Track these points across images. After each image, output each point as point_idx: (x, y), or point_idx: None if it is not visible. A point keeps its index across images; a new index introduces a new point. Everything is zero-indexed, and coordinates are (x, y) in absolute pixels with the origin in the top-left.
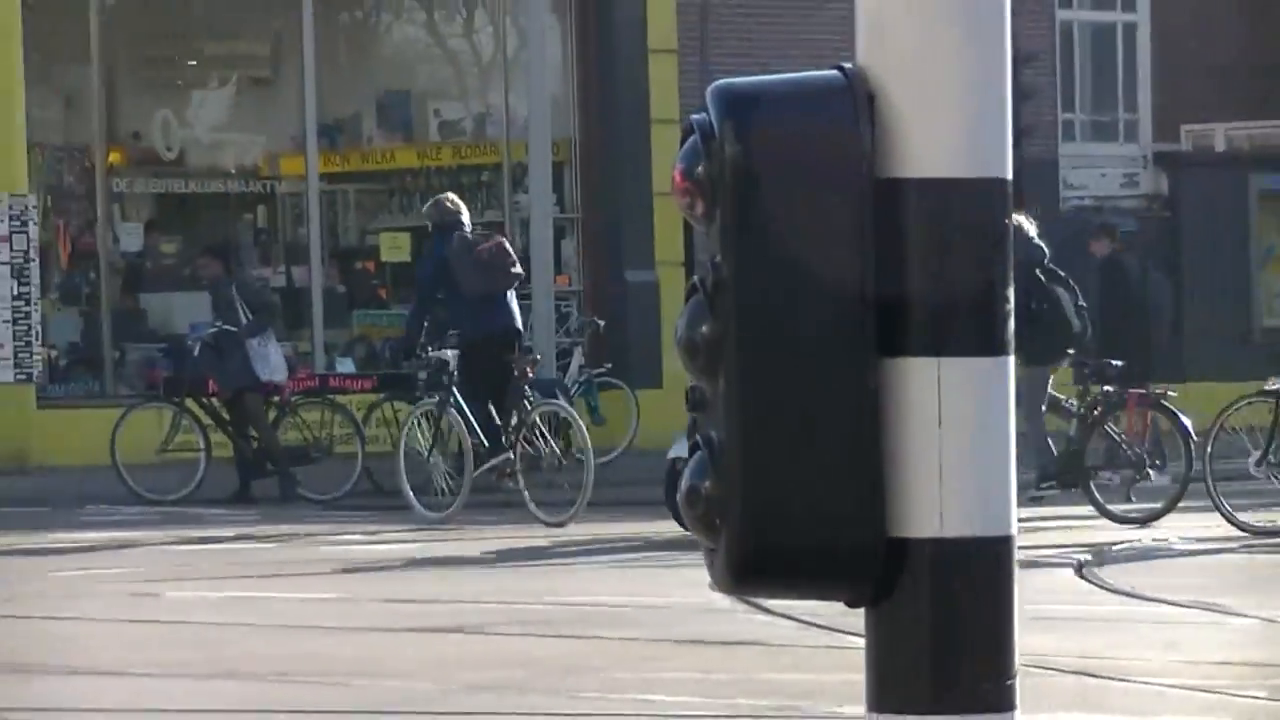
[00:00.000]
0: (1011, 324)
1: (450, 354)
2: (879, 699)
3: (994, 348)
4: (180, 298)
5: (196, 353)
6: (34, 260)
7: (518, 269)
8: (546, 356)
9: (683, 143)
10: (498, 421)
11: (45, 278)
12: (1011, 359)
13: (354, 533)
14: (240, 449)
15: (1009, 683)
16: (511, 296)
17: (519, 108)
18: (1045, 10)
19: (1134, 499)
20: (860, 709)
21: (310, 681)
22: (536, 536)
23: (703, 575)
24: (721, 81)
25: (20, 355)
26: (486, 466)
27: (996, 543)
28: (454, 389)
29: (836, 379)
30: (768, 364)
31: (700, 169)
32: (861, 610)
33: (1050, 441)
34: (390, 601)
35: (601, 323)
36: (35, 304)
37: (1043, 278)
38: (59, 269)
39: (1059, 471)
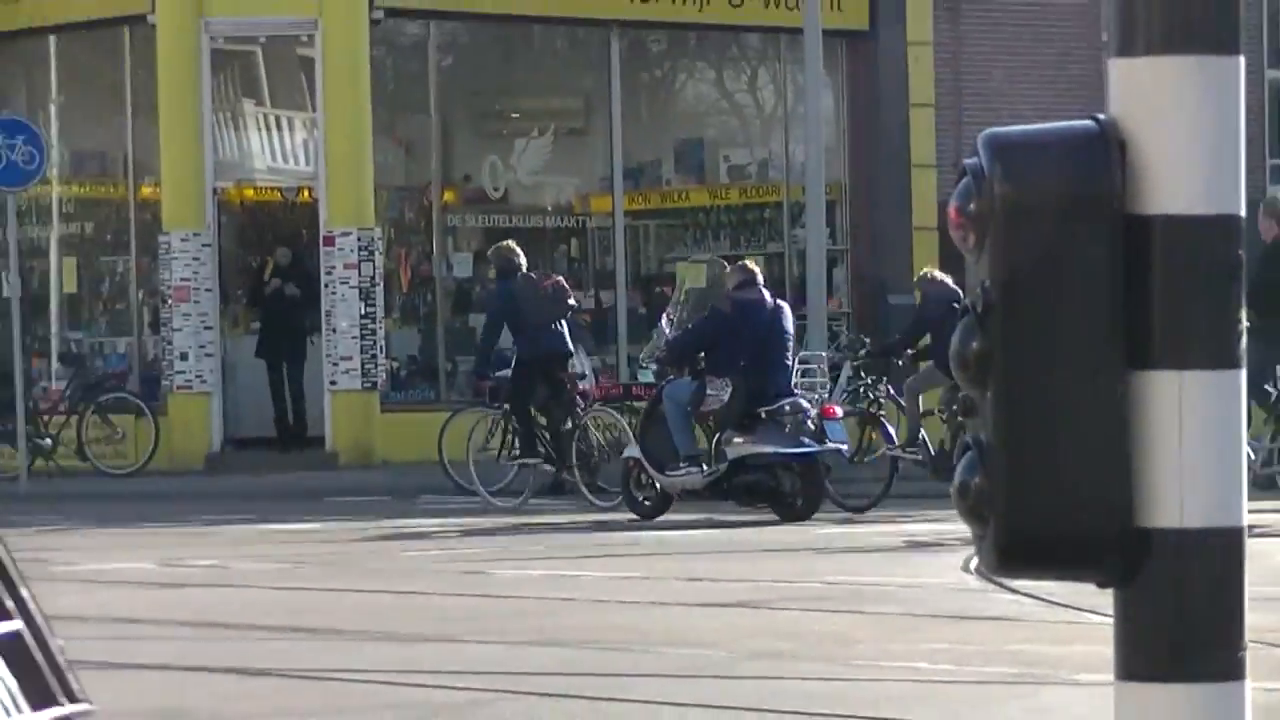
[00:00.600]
0: (1244, 341)
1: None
2: (1126, 668)
3: (1227, 362)
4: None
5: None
6: (379, 285)
7: (572, 301)
8: (819, 369)
9: (958, 183)
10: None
11: (388, 300)
12: (1243, 371)
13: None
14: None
15: (1240, 654)
16: (564, 325)
17: (797, 154)
18: (1257, 70)
19: None
20: (1094, 676)
21: (617, 648)
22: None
23: (950, 559)
24: (992, 130)
25: (367, 366)
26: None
27: (1229, 532)
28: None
29: (1090, 389)
30: (1030, 375)
31: (972, 206)
32: (1106, 591)
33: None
34: (684, 579)
35: (867, 340)
36: (380, 323)
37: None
38: (400, 292)
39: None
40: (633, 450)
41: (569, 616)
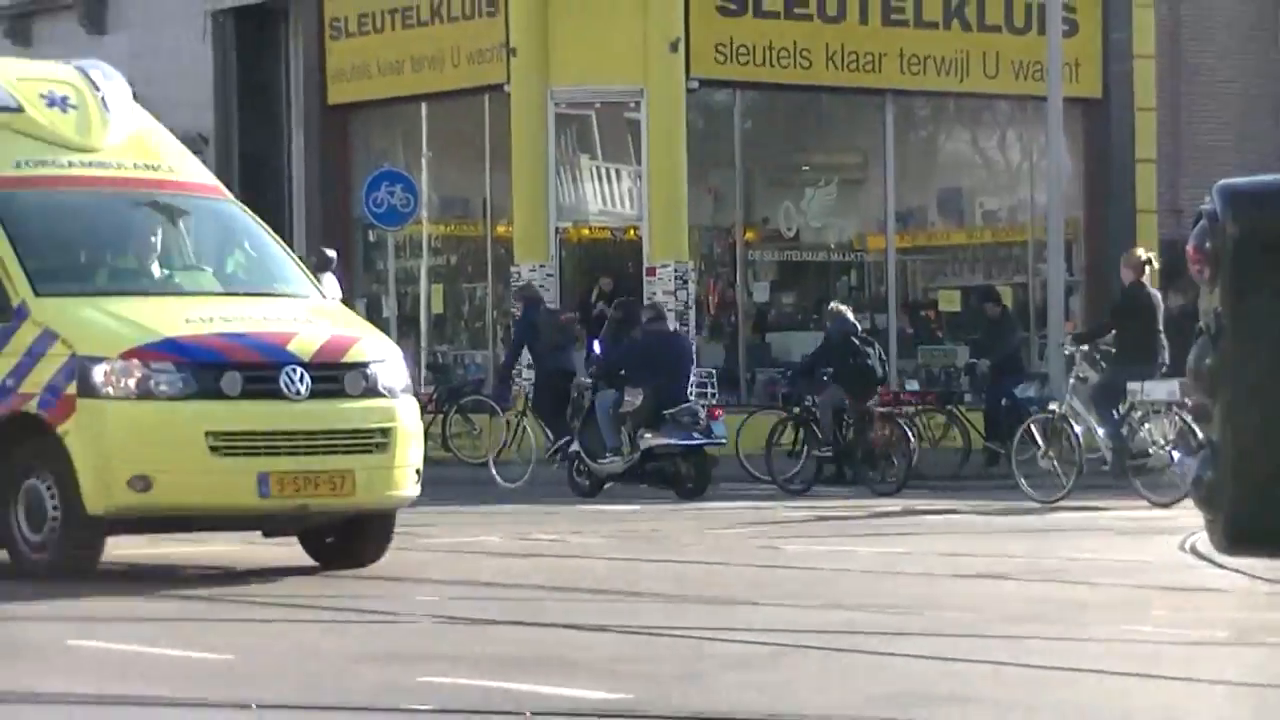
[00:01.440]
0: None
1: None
2: None
3: None
4: (795, 336)
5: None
6: (691, 308)
7: (577, 331)
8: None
9: (1194, 226)
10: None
11: (699, 320)
12: None
13: (919, 507)
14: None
15: None
16: (571, 348)
17: (1039, 200)
18: None
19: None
20: None
21: (888, 612)
22: (1031, 511)
23: (1166, 540)
24: (1225, 181)
25: None
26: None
27: None
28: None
29: None
30: (1253, 388)
31: (1208, 245)
32: None
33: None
34: (944, 555)
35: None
36: (691, 339)
37: (857, 342)
38: (708, 314)
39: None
40: (575, 445)
41: (847, 584)
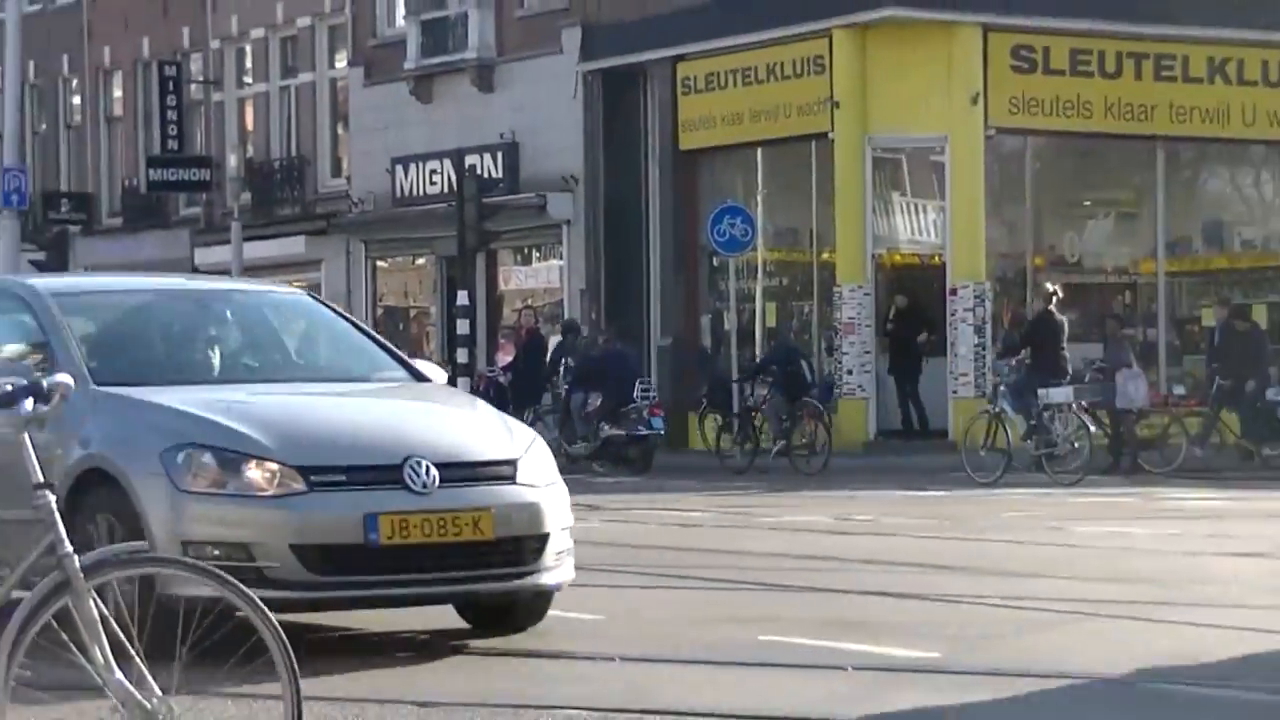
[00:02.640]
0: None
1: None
2: None
3: None
4: (1075, 347)
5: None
6: (987, 323)
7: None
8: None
9: None
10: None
11: (994, 333)
12: None
13: (1182, 494)
14: (1113, 438)
15: None
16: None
17: None
18: None
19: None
20: None
21: (1161, 584)
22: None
23: None
24: None
25: (978, 380)
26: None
27: None
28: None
29: None
30: None
31: None
32: None
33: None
34: (1207, 536)
35: None
36: (987, 350)
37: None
38: (1002, 327)
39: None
40: (554, 435)
41: (1124, 561)
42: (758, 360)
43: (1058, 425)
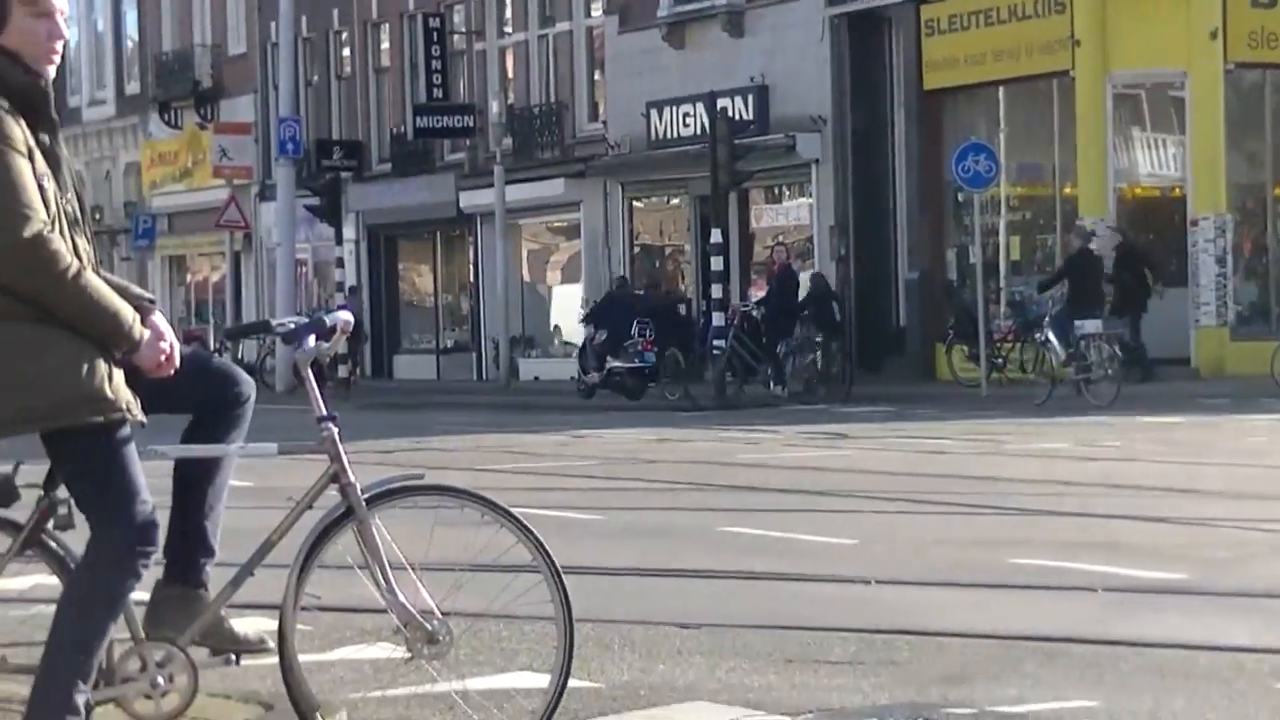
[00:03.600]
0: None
1: None
2: None
3: None
4: None
5: None
6: (1228, 253)
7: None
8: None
9: None
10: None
11: (1235, 264)
12: None
13: None
14: None
15: None
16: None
17: None
18: None
19: None
20: None
21: None
22: None
23: None
24: None
25: (1220, 309)
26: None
27: None
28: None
29: None
30: None
31: None
32: None
33: None
34: None
35: None
36: (1229, 279)
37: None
38: (1242, 258)
39: None
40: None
41: None
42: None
43: (1092, 353)
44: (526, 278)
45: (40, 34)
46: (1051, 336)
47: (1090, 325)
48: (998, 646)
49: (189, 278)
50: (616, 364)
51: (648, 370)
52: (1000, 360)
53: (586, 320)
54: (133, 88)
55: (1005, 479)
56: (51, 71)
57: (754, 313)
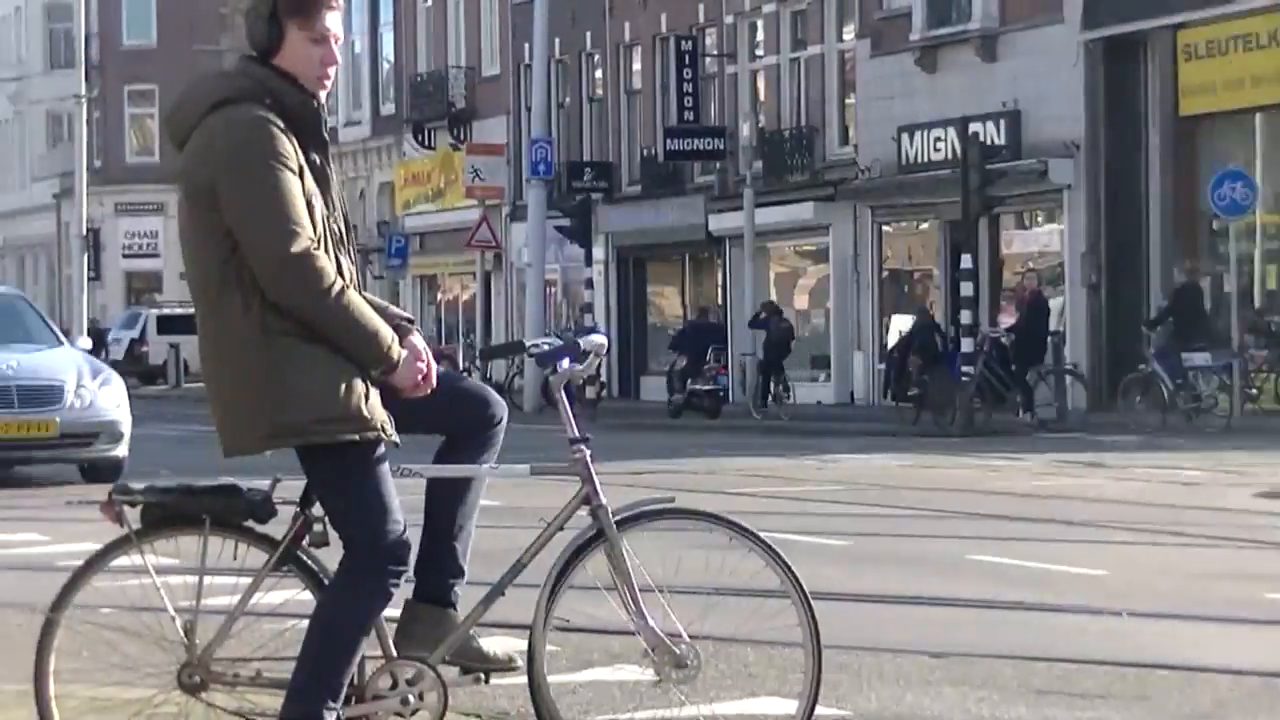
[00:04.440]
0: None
1: None
2: None
3: None
4: None
5: None
6: None
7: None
8: None
9: None
10: None
11: None
12: None
13: None
14: None
15: None
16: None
17: None
18: None
19: None
20: None
21: None
22: None
23: None
24: None
25: None
26: None
27: None
28: None
29: None
30: None
31: None
32: None
33: None
34: None
35: None
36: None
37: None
38: None
39: None
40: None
41: None
42: None
43: (1200, 384)
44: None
45: (315, 59)
46: (1158, 368)
47: (1197, 358)
48: (1255, 684)
49: (439, 297)
50: (695, 386)
51: (721, 393)
52: (1255, 391)
53: (671, 347)
54: (388, 109)
55: (1261, 512)
56: (324, 94)
57: (1003, 339)
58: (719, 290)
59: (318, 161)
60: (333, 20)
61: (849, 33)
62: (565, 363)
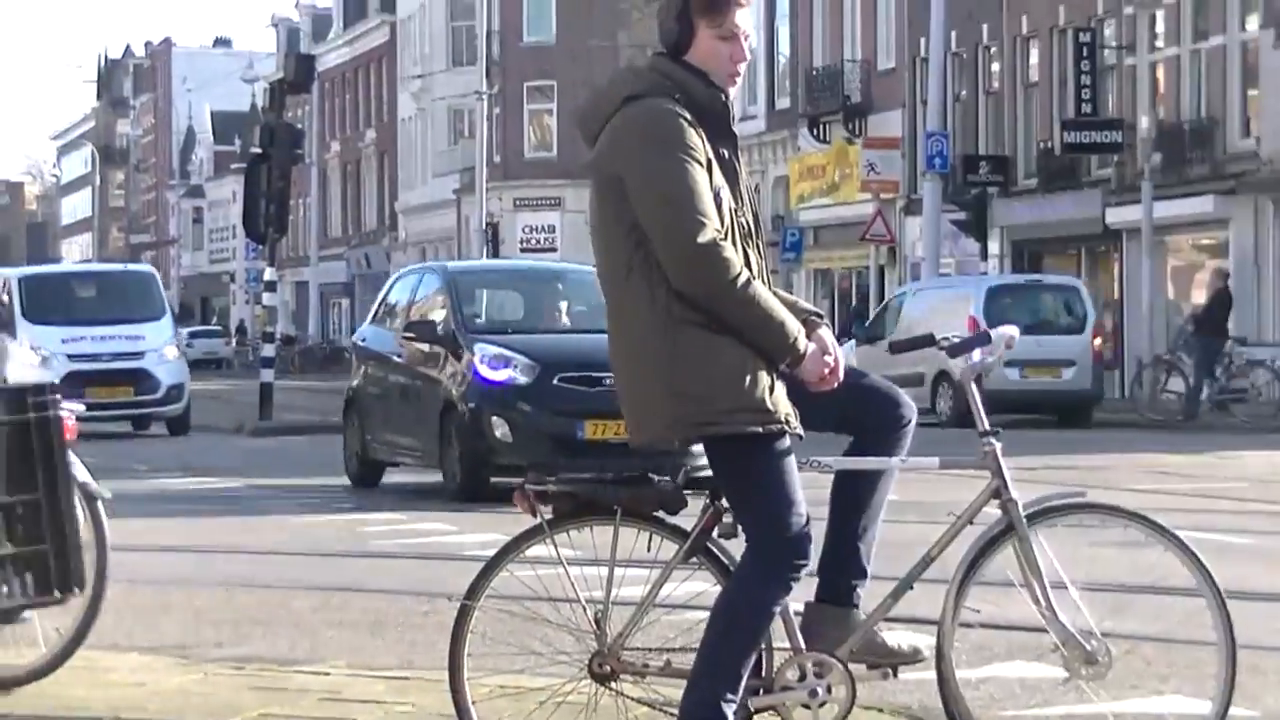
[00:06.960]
0: None
1: None
2: None
3: None
4: None
5: None
6: None
7: None
8: None
9: None
10: None
11: None
12: None
13: None
14: None
15: None
16: None
17: None
18: None
19: None
20: None
21: None
22: None
23: None
24: None
25: None
26: None
27: None
28: None
29: None
30: None
31: None
32: None
33: None
34: None
35: None
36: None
37: None
38: None
39: None
40: None
41: None
42: None
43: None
44: (1170, 296)
45: (724, 55)
46: (1185, 357)
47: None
48: None
49: (834, 290)
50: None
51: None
52: None
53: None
54: (783, 103)
55: None
56: (734, 90)
57: None
58: (1114, 285)
59: (726, 155)
60: (742, 17)
61: (1252, 22)
62: (976, 354)
